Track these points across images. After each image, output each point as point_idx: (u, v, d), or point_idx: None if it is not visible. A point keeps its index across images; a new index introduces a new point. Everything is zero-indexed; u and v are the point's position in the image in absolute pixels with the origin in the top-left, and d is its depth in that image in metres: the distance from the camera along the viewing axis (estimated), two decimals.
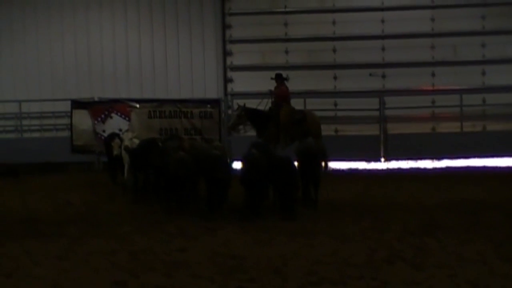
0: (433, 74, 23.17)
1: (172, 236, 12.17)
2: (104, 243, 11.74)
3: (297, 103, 22.84)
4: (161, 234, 12.31)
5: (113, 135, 19.20)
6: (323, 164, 14.63)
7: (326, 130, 22.90)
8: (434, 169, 21.46)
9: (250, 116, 18.67)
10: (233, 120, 18.89)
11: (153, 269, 10.04)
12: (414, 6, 23.35)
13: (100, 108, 21.65)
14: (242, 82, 23.66)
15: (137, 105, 21.52)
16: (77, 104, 21.76)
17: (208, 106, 21.30)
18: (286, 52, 23.62)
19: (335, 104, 23.22)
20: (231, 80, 23.78)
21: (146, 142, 16.72)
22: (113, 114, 21.53)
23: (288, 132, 18.50)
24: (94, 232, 12.68)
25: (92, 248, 11.39)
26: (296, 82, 23.39)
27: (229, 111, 22.79)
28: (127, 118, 21.39)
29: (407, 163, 22.14)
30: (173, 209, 14.14)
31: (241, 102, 22.80)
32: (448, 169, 21.29)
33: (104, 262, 10.47)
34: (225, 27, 23.82)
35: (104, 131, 21.25)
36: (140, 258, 10.67)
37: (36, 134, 23.71)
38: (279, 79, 19.26)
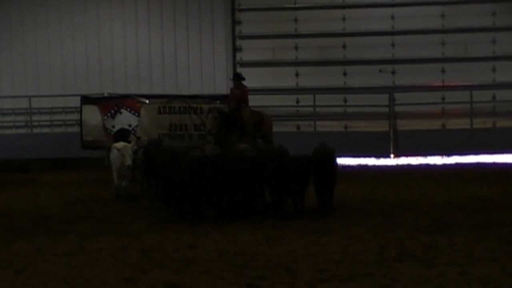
0: (443, 71, 23.12)
1: (181, 233, 12.17)
2: (114, 240, 11.76)
3: (306, 99, 22.93)
4: (170, 232, 12.33)
5: (122, 131, 19.18)
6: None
7: (336, 126, 22.95)
8: (444, 165, 21.41)
9: (223, 118, 17.94)
10: (210, 124, 18.02)
11: (162, 266, 10.05)
12: (424, 2, 23.30)
13: (110, 103, 21.64)
14: (251, 78, 23.47)
15: (147, 101, 21.50)
16: (87, 99, 21.76)
17: (218, 102, 21.27)
18: (296, 48, 23.60)
19: (345, 100, 23.19)
20: None
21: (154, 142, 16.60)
22: (122, 110, 21.51)
23: (252, 134, 18.14)
24: (104, 229, 12.70)
25: (102, 245, 11.42)
26: (306, 78, 23.43)
27: None
28: (136, 114, 21.39)
29: (417, 159, 22.12)
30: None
31: (249, 98, 22.98)
32: (457, 165, 21.24)
33: (114, 259, 10.49)
34: (234, 23, 23.81)
35: (113, 126, 21.25)
36: (150, 255, 10.68)
37: (46, 130, 23.74)
38: (238, 78, 18.55)
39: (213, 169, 13.19)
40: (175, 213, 13.51)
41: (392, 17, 23.32)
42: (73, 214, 14.39)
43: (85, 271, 9.86)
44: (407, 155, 22.15)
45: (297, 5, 23.63)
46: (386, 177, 18.98)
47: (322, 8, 23.56)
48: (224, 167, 13.20)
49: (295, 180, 13.28)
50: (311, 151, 13.87)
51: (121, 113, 21.43)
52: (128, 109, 21.38)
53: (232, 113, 18.08)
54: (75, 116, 22.77)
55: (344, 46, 23.40)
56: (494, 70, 23.00)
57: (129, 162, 15.56)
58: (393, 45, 23.30)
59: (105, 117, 21.36)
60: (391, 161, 22.14)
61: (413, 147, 22.02)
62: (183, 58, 23.65)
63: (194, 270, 9.83)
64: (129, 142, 16.62)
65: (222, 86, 23.35)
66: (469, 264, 9.87)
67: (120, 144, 16.05)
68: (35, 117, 23.84)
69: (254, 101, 22.99)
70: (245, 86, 18.56)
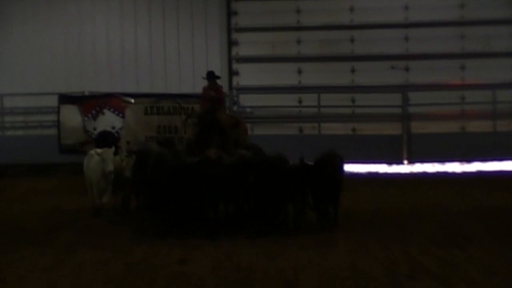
0: (462, 67, 23.22)
1: (172, 246, 12.27)
2: (97, 253, 11.86)
3: (310, 99, 23.00)
4: (160, 244, 12.42)
5: (106, 133, 19.24)
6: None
7: (343, 129, 23.01)
8: (463, 173, 21.51)
9: (204, 124, 17.74)
10: (191, 130, 17.78)
11: (151, 282, 10.15)
12: None
13: (91, 103, 21.71)
14: (249, 76, 23.74)
15: (132, 100, 21.59)
16: (65, 98, 21.83)
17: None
18: (298, 42, 23.69)
19: (353, 100, 23.29)
20: (236, 73, 23.88)
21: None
22: (105, 110, 21.58)
23: (230, 140, 18.02)
24: (85, 241, 12.80)
25: (83, 258, 11.51)
26: (309, 76, 23.50)
27: (235, 108, 22.89)
28: (121, 115, 21.47)
29: (433, 166, 22.22)
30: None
31: (247, 97, 23.11)
32: (479, 173, 21.33)
33: (97, 275, 10.58)
34: (230, 14, 23.89)
35: (95, 128, 21.32)
36: (137, 270, 10.78)
37: (20, 132, 23.82)
38: (212, 78, 18.05)
39: (191, 176, 13.25)
40: (162, 224, 13.59)
41: (406, 8, 23.42)
42: (51, 224, 14.46)
43: None
44: (422, 161, 22.24)
45: None
46: (398, 186, 19.10)
47: None
48: (203, 175, 13.23)
49: (285, 189, 13.31)
50: (314, 156, 13.93)
51: (103, 113, 21.51)
52: (112, 109, 21.46)
53: (208, 116, 17.89)
54: (53, 117, 22.77)
55: (352, 40, 23.49)
56: None
57: (110, 167, 14.69)
58: (406, 38, 23.39)
59: (86, 118, 21.44)
60: (405, 168, 22.22)
61: (429, 152, 22.08)
62: (173, 54, 23.73)
63: (185, 286, 9.95)
64: (117, 147, 15.98)
65: None
66: (488, 280, 9.98)
67: (100, 149, 15.23)
68: (7, 118, 23.93)
69: (252, 101, 23.20)
70: (221, 86, 18.40)
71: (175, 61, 23.75)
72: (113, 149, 15.31)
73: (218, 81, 18.14)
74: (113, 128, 21.22)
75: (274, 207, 13.31)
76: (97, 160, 14.93)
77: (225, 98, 18.80)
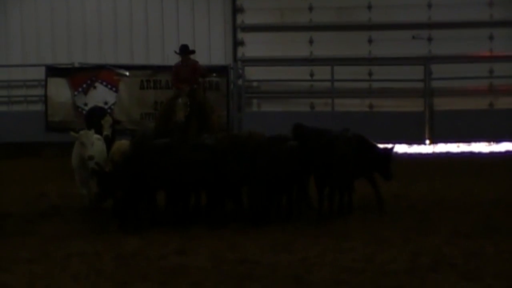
0: (491, 37, 23.11)
1: (169, 236, 12.24)
2: (85, 244, 11.83)
3: (323, 72, 22.92)
4: (155, 234, 12.39)
5: (97, 109, 19.21)
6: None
7: (359, 105, 22.96)
8: (491, 154, 21.48)
9: (195, 105, 17.43)
10: (181, 112, 17.40)
11: (145, 276, 10.12)
12: None
13: (81, 76, 21.74)
14: (255, 46, 23.66)
15: (127, 73, 21.60)
16: (53, 71, 21.85)
17: (214, 75, 21.33)
18: (310, 9, 23.59)
19: (370, 74, 23.23)
20: (242, 43, 23.78)
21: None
22: (97, 84, 21.62)
23: (212, 124, 17.73)
24: (73, 231, 12.78)
25: (71, 250, 11.48)
26: (322, 46, 23.40)
27: (239, 81, 22.79)
28: (114, 89, 21.47)
29: (458, 146, 22.18)
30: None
31: (253, 70, 23.04)
32: (508, 154, 21.30)
33: (86, 268, 10.54)
34: None
35: (86, 104, 21.34)
36: (130, 263, 10.76)
37: (2, 108, 23.79)
38: (185, 52, 17.96)
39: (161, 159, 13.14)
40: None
41: None
42: (35, 212, 14.44)
43: (51, 282, 9.93)
44: (446, 141, 22.22)
45: None
46: (420, 168, 19.10)
47: None
48: (176, 158, 13.10)
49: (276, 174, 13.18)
50: None
51: (95, 87, 21.56)
52: (104, 83, 21.50)
53: (193, 99, 17.65)
54: (39, 91, 22.81)
55: (369, 7, 23.38)
56: None
57: (89, 153, 13.85)
58: (429, 5, 23.28)
59: (76, 93, 21.47)
60: (427, 148, 22.20)
61: (454, 131, 22.05)
62: (171, 21, 23.65)
63: (184, 281, 9.89)
64: (100, 125, 15.34)
65: (219, 55, 23.38)
66: None
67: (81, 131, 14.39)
68: None
69: (258, 74, 23.13)
70: (196, 62, 18.12)
71: (174, 30, 23.67)
72: (93, 131, 14.66)
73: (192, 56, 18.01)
74: (106, 103, 21.23)
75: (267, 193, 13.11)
76: (76, 143, 14.34)
77: (207, 73, 18.69)
